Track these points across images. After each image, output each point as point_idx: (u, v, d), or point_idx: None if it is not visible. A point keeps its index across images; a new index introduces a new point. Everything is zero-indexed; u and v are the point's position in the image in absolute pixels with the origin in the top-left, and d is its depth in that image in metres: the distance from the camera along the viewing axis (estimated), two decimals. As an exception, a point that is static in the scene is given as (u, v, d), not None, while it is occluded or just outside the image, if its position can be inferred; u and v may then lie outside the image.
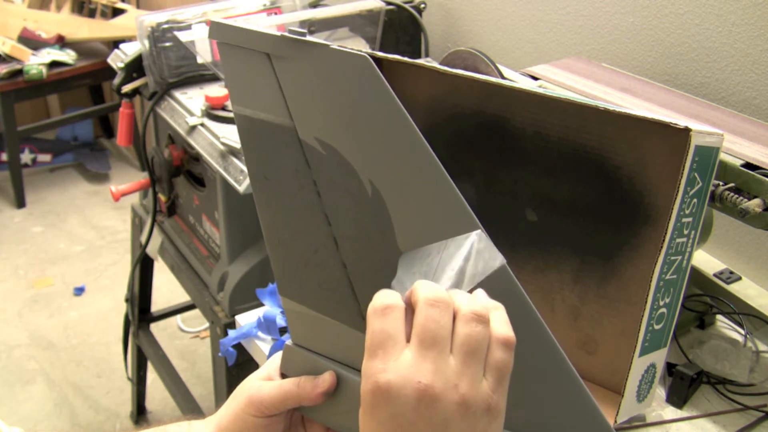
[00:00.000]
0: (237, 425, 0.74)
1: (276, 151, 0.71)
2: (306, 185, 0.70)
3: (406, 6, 1.94)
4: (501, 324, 0.57)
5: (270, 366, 0.77)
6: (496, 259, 0.64)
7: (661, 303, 0.93)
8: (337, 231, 0.70)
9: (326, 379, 0.72)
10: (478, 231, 0.63)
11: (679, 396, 1.10)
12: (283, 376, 0.76)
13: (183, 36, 1.68)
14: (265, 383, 0.75)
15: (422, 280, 0.59)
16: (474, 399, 0.54)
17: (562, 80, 1.32)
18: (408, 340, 0.56)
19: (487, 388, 0.55)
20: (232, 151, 1.57)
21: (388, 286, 0.66)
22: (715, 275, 1.32)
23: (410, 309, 0.57)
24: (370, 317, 0.57)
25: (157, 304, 2.51)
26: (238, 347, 1.34)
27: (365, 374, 0.56)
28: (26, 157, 3.93)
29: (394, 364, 0.55)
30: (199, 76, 1.84)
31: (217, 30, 0.70)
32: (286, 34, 0.66)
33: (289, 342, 0.77)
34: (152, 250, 2.07)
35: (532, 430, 0.64)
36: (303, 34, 0.66)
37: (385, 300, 0.57)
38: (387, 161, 0.65)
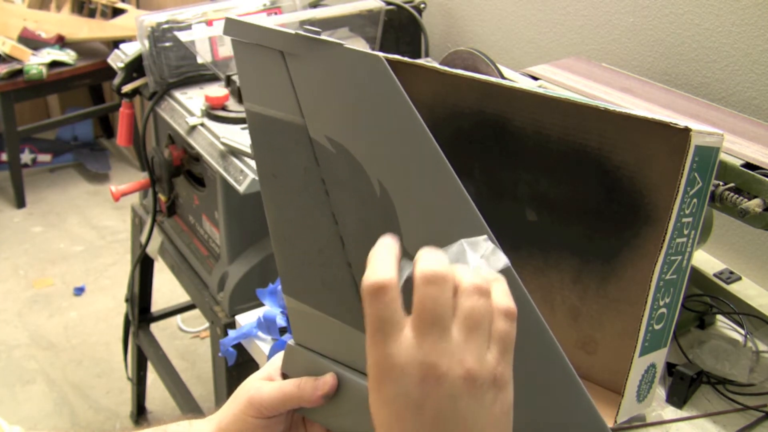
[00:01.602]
0: (237, 426, 0.74)
1: (286, 149, 0.71)
2: (314, 183, 0.70)
3: (406, 6, 1.94)
4: (502, 295, 0.56)
5: (271, 366, 0.77)
6: (501, 261, 0.64)
7: (661, 303, 0.93)
8: (344, 230, 0.70)
9: (327, 381, 0.72)
10: (485, 236, 0.63)
11: (679, 396, 1.10)
12: (285, 375, 0.76)
13: (183, 36, 1.69)
14: (265, 384, 0.75)
15: (423, 251, 0.56)
16: (480, 372, 0.53)
17: (562, 80, 1.32)
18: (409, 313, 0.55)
19: (492, 360, 0.54)
20: (232, 151, 1.57)
21: None
22: (715, 275, 1.32)
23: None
24: (363, 298, 0.55)
25: (157, 304, 2.51)
26: (238, 347, 1.34)
27: (368, 356, 0.56)
28: (26, 157, 3.93)
29: (396, 346, 0.54)
30: (199, 76, 1.84)
31: (232, 27, 0.70)
32: (301, 32, 0.67)
33: (291, 341, 0.77)
34: (152, 250, 2.07)
35: (528, 427, 0.65)
36: (318, 33, 0.66)
37: (375, 278, 0.54)
38: (396, 162, 0.65)
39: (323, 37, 0.66)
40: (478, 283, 0.55)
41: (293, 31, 0.67)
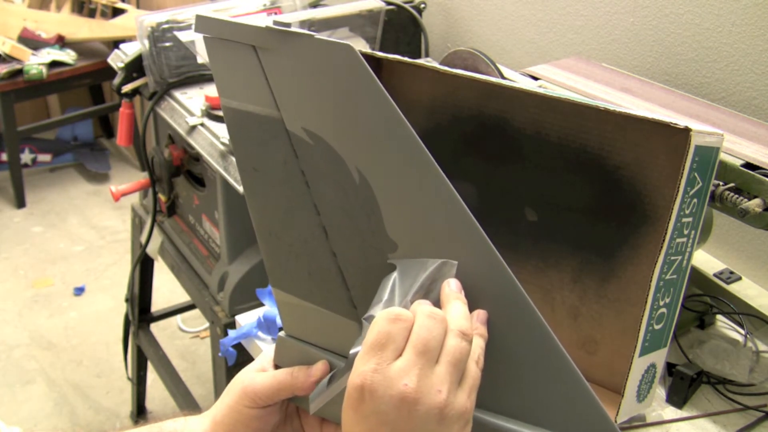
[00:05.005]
0: (232, 417, 0.75)
1: (264, 143, 0.71)
2: (294, 175, 0.71)
3: (406, 6, 1.94)
4: (477, 346, 0.63)
5: (263, 358, 0.78)
6: (497, 261, 0.64)
7: (661, 303, 0.93)
8: (326, 220, 0.71)
9: (319, 368, 0.73)
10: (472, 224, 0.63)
11: (679, 396, 1.10)
12: (277, 367, 0.76)
13: (183, 36, 1.68)
14: (258, 374, 0.75)
15: (420, 301, 0.64)
16: (452, 403, 0.59)
17: (562, 80, 1.32)
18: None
19: (463, 396, 0.60)
20: (232, 151, 1.57)
21: (378, 273, 0.67)
22: (715, 275, 1.32)
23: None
24: (379, 319, 0.61)
25: (157, 304, 2.51)
26: (238, 347, 1.34)
27: (357, 369, 0.59)
28: (26, 157, 3.93)
29: (387, 367, 0.59)
30: (199, 76, 1.84)
31: (203, 24, 0.70)
32: (271, 25, 0.67)
33: (281, 333, 0.78)
34: (152, 250, 2.07)
35: (536, 424, 0.65)
36: (287, 26, 0.67)
37: (398, 310, 0.61)
38: (373, 148, 0.66)
39: (293, 29, 0.66)
40: (465, 329, 0.61)
41: (263, 25, 0.67)
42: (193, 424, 0.78)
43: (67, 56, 3.47)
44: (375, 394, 0.58)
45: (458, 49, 1.29)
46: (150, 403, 2.55)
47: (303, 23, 1.77)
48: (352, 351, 0.62)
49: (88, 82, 3.76)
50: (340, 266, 0.71)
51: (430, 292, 0.65)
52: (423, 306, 0.62)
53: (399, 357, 0.59)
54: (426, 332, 0.60)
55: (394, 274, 0.66)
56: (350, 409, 0.60)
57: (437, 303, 0.65)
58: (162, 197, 1.96)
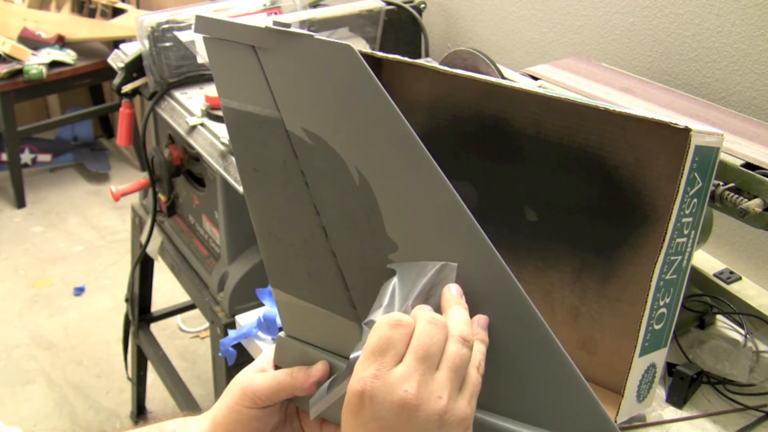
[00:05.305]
0: (232, 418, 0.75)
1: (264, 143, 0.71)
2: (294, 176, 0.71)
3: (406, 6, 1.94)
4: (478, 352, 0.63)
5: (263, 359, 0.78)
6: (496, 262, 0.64)
7: (661, 303, 0.93)
8: (326, 220, 0.71)
9: (319, 369, 0.73)
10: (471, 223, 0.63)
11: (679, 396, 1.10)
12: (277, 368, 0.76)
13: (183, 36, 1.68)
14: (258, 375, 0.76)
15: (421, 306, 0.64)
16: (452, 410, 0.59)
17: (562, 80, 1.32)
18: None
19: (463, 402, 0.60)
20: (232, 151, 1.57)
21: (378, 273, 0.67)
22: (715, 275, 1.32)
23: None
24: (380, 324, 0.61)
25: (157, 304, 2.51)
26: (238, 347, 1.34)
27: (357, 374, 0.59)
28: (26, 157, 3.93)
29: (388, 372, 0.59)
30: (199, 76, 1.84)
31: (203, 24, 0.70)
32: (271, 26, 0.67)
33: (281, 333, 0.78)
34: (152, 250, 2.07)
35: (536, 424, 0.65)
36: (287, 26, 0.67)
37: (399, 315, 0.61)
38: (373, 149, 0.66)
39: (292, 29, 0.66)
40: (466, 334, 0.61)
41: (263, 25, 0.67)
42: (192, 424, 0.78)
43: (67, 56, 3.47)
44: (375, 400, 0.58)
45: (458, 49, 1.29)
46: (150, 403, 2.55)
47: (303, 23, 1.77)
48: (352, 356, 0.62)
49: (88, 82, 3.76)
50: (339, 266, 0.71)
51: (431, 297, 0.65)
52: (424, 311, 0.62)
53: (399, 363, 0.59)
54: (427, 338, 0.59)
55: (394, 279, 0.66)
56: (350, 415, 0.59)
57: (438, 307, 0.65)
58: (162, 197, 1.96)
